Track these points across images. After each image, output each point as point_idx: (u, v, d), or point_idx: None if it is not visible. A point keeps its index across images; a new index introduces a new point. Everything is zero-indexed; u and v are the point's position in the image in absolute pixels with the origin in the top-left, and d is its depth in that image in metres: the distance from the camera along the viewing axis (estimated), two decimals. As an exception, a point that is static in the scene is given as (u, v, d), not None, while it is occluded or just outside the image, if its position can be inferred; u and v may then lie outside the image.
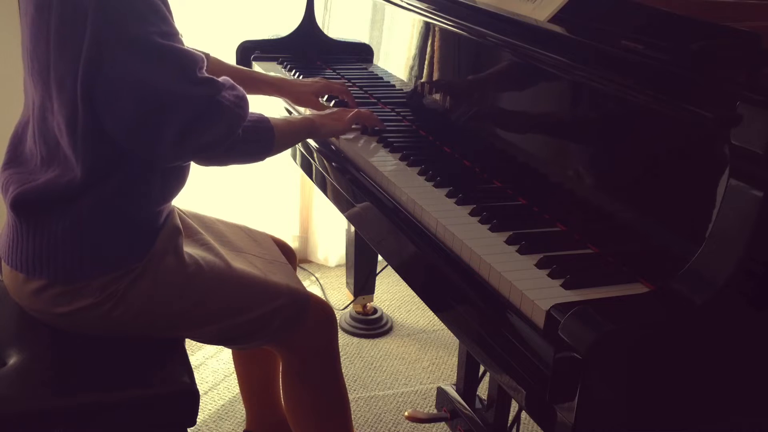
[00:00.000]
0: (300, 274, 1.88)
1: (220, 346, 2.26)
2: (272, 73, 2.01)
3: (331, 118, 1.58)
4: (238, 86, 1.33)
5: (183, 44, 1.24)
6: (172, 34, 1.22)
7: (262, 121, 1.38)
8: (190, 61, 1.23)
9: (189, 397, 1.32)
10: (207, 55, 1.55)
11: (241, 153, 1.36)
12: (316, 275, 2.83)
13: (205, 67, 1.27)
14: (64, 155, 1.26)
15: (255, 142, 1.36)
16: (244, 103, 1.32)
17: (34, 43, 1.23)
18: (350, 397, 1.63)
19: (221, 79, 1.30)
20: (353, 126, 1.60)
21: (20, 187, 1.29)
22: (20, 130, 1.37)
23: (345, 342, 2.43)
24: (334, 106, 1.71)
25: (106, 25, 1.16)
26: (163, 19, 1.20)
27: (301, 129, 1.53)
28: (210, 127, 1.25)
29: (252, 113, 1.35)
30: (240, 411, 2.04)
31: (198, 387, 1.34)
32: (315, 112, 1.66)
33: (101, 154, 1.25)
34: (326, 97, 1.76)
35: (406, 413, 1.86)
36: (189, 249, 1.41)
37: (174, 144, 1.24)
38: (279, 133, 1.40)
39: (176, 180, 1.37)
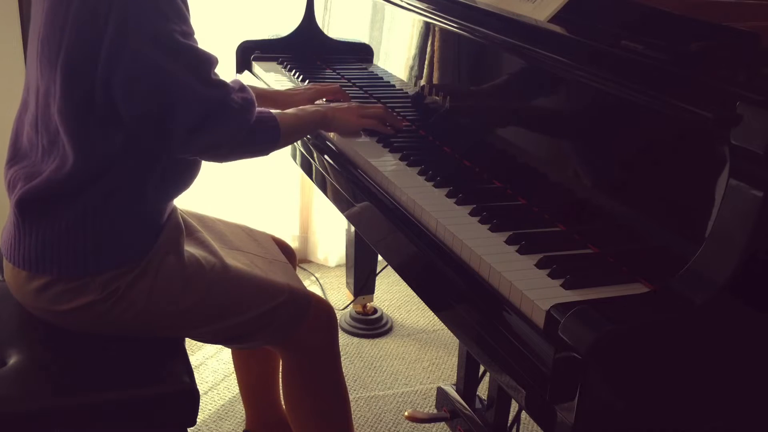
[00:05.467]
0: (300, 274, 1.88)
1: (220, 346, 2.26)
2: (271, 74, 2.01)
3: (345, 111, 1.58)
4: (248, 88, 1.36)
5: (198, 44, 1.28)
6: (190, 34, 1.27)
7: (269, 121, 1.39)
8: (206, 61, 1.27)
9: (189, 397, 1.32)
10: None
11: (245, 151, 1.40)
12: (316, 275, 2.83)
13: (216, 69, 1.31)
14: (63, 144, 1.27)
15: (259, 141, 1.39)
16: (252, 107, 1.34)
17: (48, 27, 1.25)
18: (350, 397, 1.63)
19: (232, 81, 1.33)
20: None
21: (27, 184, 1.29)
22: (17, 124, 1.39)
23: (345, 342, 2.43)
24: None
25: (130, 20, 1.19)
26: (183, 19, 1.25)
27: (310, 122, 1.54)
28: (217, 128, 1.29)
29: (261, 110, 1.38)
30: (240, 411, 2.04)
31: (198, 387, 1.34)
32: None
33: (105, 146, 1.27)
34: (324, 100, 1.75)
35: (406, 413, 1.86)
36: (189, 248, 1.41)
37: (181, 139, 1.27)
38: (285, 129, 1.42)
39: (181, 178, 1.37)
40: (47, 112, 1.28)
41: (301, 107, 1.55)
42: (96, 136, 1.26)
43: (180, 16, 1.24)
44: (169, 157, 1.33)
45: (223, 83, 1.30)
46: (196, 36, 1.28)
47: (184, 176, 1.38)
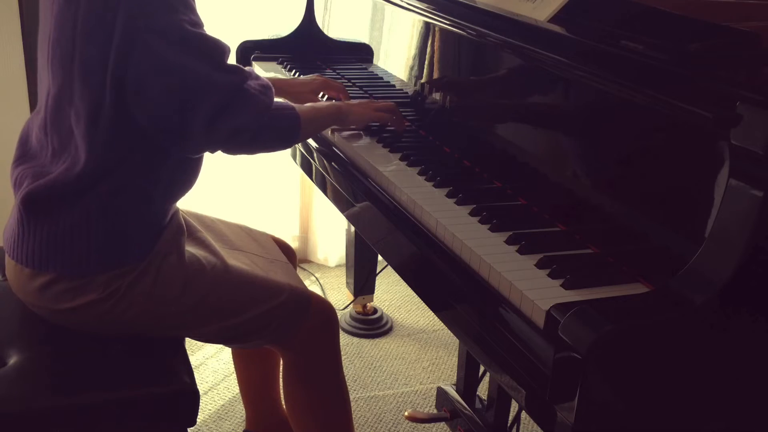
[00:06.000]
0: (300, 274, 1.89)
1: (220, 346, 2.26)
2: (271, 74, 2.01)
3: (359, 105, 1.59)
4: (262, 76, 1.36)
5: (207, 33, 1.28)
6: (200, 24, 1.26)
7: (288, 109, 1.40)
8: (218, 49, 1.27)
9: (189, 397, 1.32)
10: None
11: (267, 140, 1.39)
12: (316, 275, 2.83)
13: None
14: (76, 145, 1.27)
15: (281, 129, 1.39)
16: (270, 92, 1.35)
17: (59, 30, 1.25)
18: (350, 397, 1.63)
19: (247, 68, 1.33)
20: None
21: (34, 182, 1.29)
22: (28, 124, 1.39)
23: (345, 342, 2.43)
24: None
25: (138, 15, 1.19)
26: (191, 9, 1.25)
27: (328, 115, 1.55)
28: (237, 114, 1.28)
29: (277, 101, 1.38)
30: (240, 411, 2.04)
31: (198, 387, 1.34)
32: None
33: (115, 146, 1.26)
34: (326, 97, 1.76)
35: (406, 413, 1.86)
36: (190, 248, 1.41)
37: (202, 131, 1.26)
38: (305, 120, 1.43)
39: (184, 178, 1.37)
40: (59, 115, 1.28)
41: (316, 102, 1.56)
42: (109, 137, 1.25)
43: (187, 5, 1.24)
44: (181, 157, 1.33)
45: (239, 69, 1.30)
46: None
47: (188, 176, 1.38)
